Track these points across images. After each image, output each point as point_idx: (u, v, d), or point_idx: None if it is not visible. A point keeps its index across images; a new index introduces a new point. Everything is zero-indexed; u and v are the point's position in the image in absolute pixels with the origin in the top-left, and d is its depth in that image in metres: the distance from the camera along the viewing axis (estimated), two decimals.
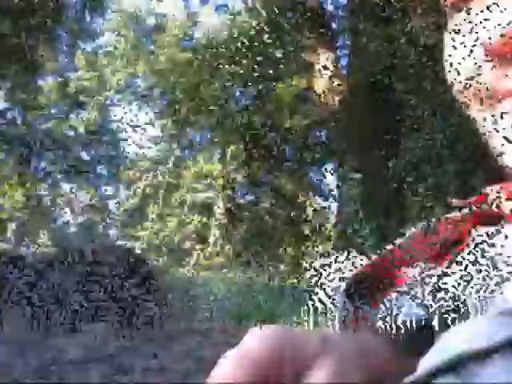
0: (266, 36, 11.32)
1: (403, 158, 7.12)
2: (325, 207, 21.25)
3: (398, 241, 0.42)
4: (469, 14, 0.38)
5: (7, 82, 16.50)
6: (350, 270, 0.41)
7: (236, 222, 18.56)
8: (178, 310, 5.07)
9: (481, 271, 0.34)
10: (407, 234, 0.43)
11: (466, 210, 0.44)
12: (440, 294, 0.36)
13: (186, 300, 4.99)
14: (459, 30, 0.39)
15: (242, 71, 13.01)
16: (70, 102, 21.44)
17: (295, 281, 6.47)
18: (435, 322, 0.36)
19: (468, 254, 0.39)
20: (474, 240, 0.42)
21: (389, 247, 0.42)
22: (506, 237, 0.38)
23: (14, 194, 20.07)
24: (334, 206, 7.52)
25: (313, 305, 0.54)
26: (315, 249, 20.90)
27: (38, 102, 20.35)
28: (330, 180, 18.93)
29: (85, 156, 22.77)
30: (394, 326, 0.38)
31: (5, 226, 19.18)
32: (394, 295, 0.39)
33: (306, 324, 0.52)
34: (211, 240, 18.16)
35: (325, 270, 0.52)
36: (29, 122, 20.42)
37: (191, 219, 19.01)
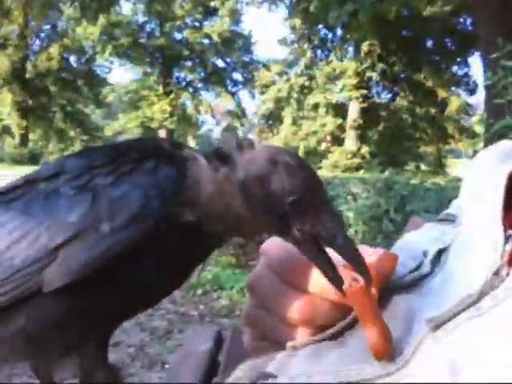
0: None
1: None
2: (469, 103, 19.69)
3: None
4: None
5: None
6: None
7: (372, 122, 18.06)
8: None
9: None
10: None
11: None
12: None
13: None
14: None
15: None
16: (203, 9, 21.70)
17: (437, 179, 6.26)
18: None
19: None
20: None
21: None
22: None
23: (161, 104, 21.42)
24: (481, 99, 6.93)
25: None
26: (459, 147, 19.73)
27: (173, 12, 20.90)
28: (477, 71, 17.34)
29: (221, 63, 23.28)
30: None
31: (155, 134, 20.77)
32: None
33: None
34: (347, 141, 18.00)
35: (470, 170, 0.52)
36: (166, 32, 21.19)
37: (326, 121, 18.89)
